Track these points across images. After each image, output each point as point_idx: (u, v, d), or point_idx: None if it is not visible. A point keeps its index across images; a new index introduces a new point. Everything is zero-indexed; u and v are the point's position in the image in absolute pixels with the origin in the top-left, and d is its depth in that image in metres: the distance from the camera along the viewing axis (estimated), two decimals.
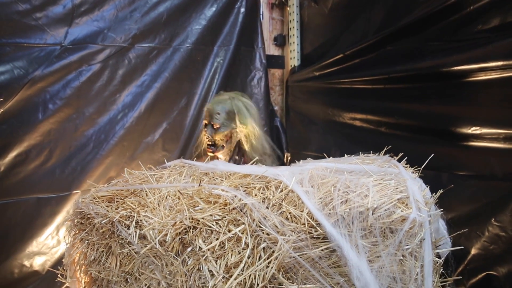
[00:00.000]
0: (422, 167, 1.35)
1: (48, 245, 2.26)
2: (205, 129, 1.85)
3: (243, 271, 0.96)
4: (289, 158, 3.01)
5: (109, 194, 1.20)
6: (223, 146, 1.84)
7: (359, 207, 0.98)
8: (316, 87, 2.87)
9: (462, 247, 1.21)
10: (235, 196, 1.03)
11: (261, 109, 2.88)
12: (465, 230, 1.11)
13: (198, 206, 1.02)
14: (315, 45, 2.98)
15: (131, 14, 2.39)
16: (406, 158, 1.48)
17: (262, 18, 2.96)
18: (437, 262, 1.05)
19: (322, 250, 0.97)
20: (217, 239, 0.98)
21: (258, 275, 0.97)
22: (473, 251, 1.61)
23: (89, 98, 2.30)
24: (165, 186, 1.14)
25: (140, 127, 2.45)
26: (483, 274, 1.59)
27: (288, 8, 3.08)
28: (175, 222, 1.00)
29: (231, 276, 0.97)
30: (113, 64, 2.35)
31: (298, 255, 0.96)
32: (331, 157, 1.48)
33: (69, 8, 2.20)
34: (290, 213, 1.05)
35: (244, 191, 1.07)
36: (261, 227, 0.99)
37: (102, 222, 1.11)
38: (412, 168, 1.33)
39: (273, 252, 0.98)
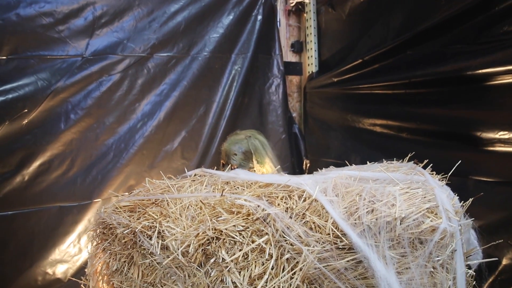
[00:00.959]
0: (449, 174, 1.30)
1: (70, 253, 2.29)
2: (223, 169, 1.85)
3: (267, 282, 0.94)
4: (308, 165, 2.98)
5: (131, 204, 1.20)
6: None
7: (386, 217, 0.94)
8: (335, 93, 2.84)
9: (497, 258, 1.16)
10: (258, 206, 1.01)
11: (279, 116, 2.87)
12: (499, 241, 1.06)
13: (220, 216, 1.00)
14: (333, 51, 2.95)
15: (149, 24, 2.42)
16: (430, 165, 1.44)
17: (279, 25, 2.96)
18: (469, 274, 1.00)
19: (348, 261, 0.94)
20: (240, 250, 0.96)
21: (282, 287, 0.95)
22: (505, 261, 1.55)
23: (109, 108, 2.33)
24: (187, 196, 1.13)
25: (159, 135, 2.47)
26: None
27: (305, 15, 3.06)
28: (198, 233, 0.99)
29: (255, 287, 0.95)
30: (132, 74, 2.38)
31: (323, 266, 0.94)
32: (353, 165, 1.45)
33: (90, 20, 2.24)
34: (314, 223, 1.03)
35: (267, 200, 1.05)
36: (284, 237, 0.97)
37: (124, 232, 1.11)
38: (438, 176, 1.29)
39: (297, 263, 0.95)
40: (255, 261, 0.96)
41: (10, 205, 2.10)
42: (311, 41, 3.01)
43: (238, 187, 1.26)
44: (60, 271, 2.27)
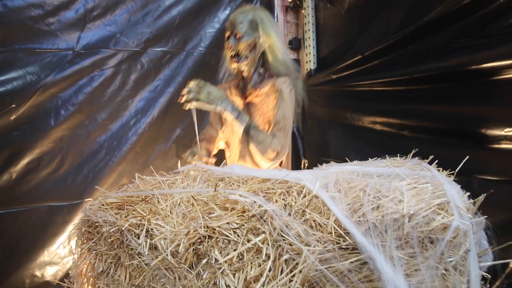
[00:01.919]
0: (457, 170, 1.23)
1: (60, 254, 2.20)
2: (228, 41, 1.76)
3: (264, 285, 0.87)
4: (306, 165, 2.90)
5: (119, 201, 1.12)
6: (246, 57, 1.74)
7: (393, 214, 0.87)
8: (334, 91, 2.76)
9: (510, 260, 1.09)
10: (254, 202, 0.93)
11: None
12: (510, 242, 0.99)
13: (213, 213, 0.93)
14: (331, 48, 2.89)
15: (143, 18, 2.34)
16: (436, 161, 1.37)
17: (277, 22, 2.89)
18: (482, 277, 0.93)
19: (351, 262, 0.86)
20: (235, 250, 0.88)
21: None
22: None
23: (101, 104, 2.25)
24: (178, 191, 1.06)
25: (153, 133, 2.39)
26: None
27: (303, 11, 2.99)
28: (189, 231, 0.91)
29: None
30: (125, 69, 2.31)
31: (325, 268, 0.86)
32: (355, 161, 1.38)
33: (81, 13, 2.17)
34: (314, 220, 0.95)
35: (264, 196, 0.98)
36: (283, 236, 0.89)
37: (111, 230, 1.03)
38: (445, 171, 1.22)
39: (297, 264, 0.88)
40: (251, 262, 0.89)
41: None
42: (309, 37, 2.94)
43: (233, 183, 1.19)
44: (49, 273, 2.18)
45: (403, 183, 0.97)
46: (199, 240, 0.91)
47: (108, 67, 2.26)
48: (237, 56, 1.74)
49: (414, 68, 2.12)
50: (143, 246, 0.95)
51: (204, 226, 0.90)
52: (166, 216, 1.00)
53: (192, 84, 1.59)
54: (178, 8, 2.44)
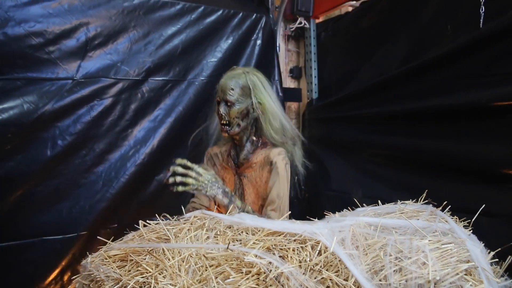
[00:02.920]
0: (473, 219, 1.19)
1: None
2: (218, 107, 1.65)
3: None
4: (306, 195, 2.85)
5: (122, 253, 1.06)
6: (238, 125, 1.63)
7: (417, 278, 0.82)
8: (335, 121, 2.74)
9: None
10: (270, 263, 0.88)
11: None
12: None
13: (227, 276, 0.87)
14: (333, 78, 2.88)
15: (145, 47, 2.31)
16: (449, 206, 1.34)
17: (279, 50, 2.88)
18: None
19: None
20: None
21: None
22: None
23: (100, 134, 2.19)
24: (187, 246, 1.00)
25: (152, 163, 2.32)
26: None
27: (305, 40, 3.00)
28: None
29: None
30: (125, 98, 2.26)
31: None
32: (365, 206, 1.33)
33: (82, 41, 2.12)
34: (331, 280, 0.90)
35: (279, 254, 0.92)
36: None
37: None
38: (462, 222, 1.18)
39: None
40: None
41: None
42: (310, 67, 2.94)
43: (242, 232, 1.13)
44: None
45: (425, 242, 0.92)
46: None
47: (108, 96, 2.20)
48: (228, 125, 1.63)
49: (419, 104, 2.12)
50: None
51: None
52: (174, 274, 0.93)
53: (178, 165, 1.47)
54: (180, 38, 2.42)
